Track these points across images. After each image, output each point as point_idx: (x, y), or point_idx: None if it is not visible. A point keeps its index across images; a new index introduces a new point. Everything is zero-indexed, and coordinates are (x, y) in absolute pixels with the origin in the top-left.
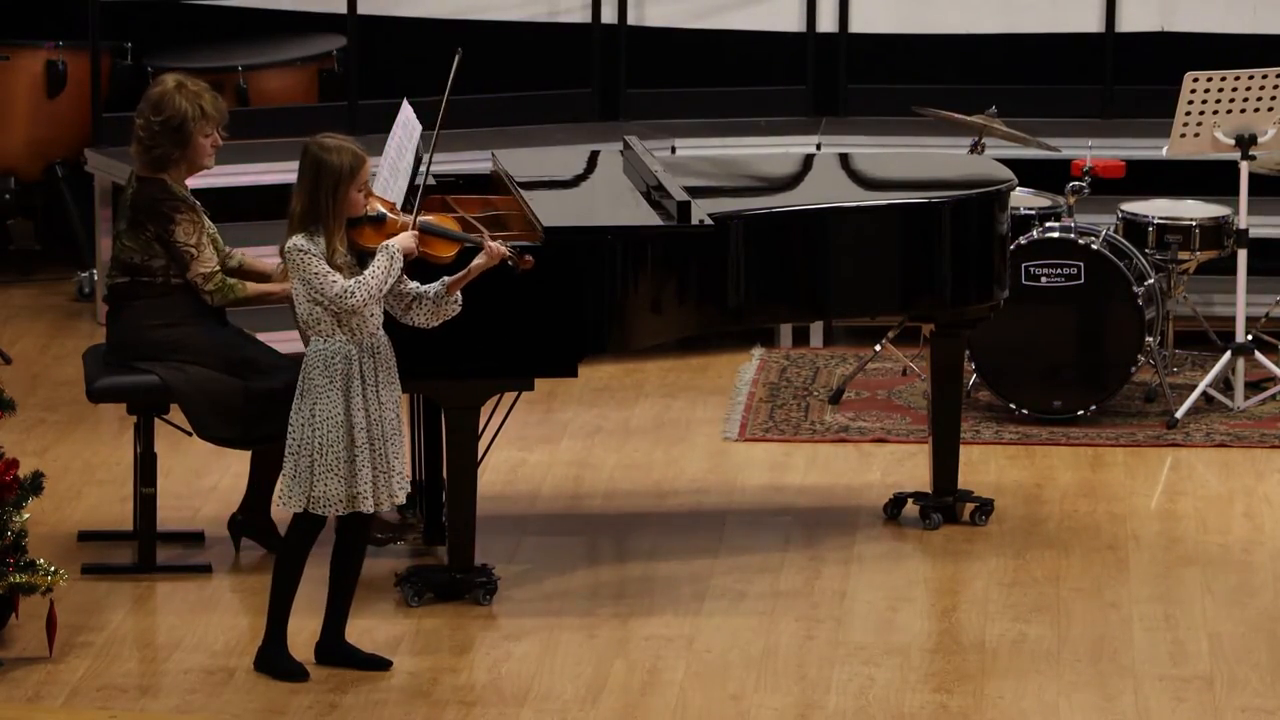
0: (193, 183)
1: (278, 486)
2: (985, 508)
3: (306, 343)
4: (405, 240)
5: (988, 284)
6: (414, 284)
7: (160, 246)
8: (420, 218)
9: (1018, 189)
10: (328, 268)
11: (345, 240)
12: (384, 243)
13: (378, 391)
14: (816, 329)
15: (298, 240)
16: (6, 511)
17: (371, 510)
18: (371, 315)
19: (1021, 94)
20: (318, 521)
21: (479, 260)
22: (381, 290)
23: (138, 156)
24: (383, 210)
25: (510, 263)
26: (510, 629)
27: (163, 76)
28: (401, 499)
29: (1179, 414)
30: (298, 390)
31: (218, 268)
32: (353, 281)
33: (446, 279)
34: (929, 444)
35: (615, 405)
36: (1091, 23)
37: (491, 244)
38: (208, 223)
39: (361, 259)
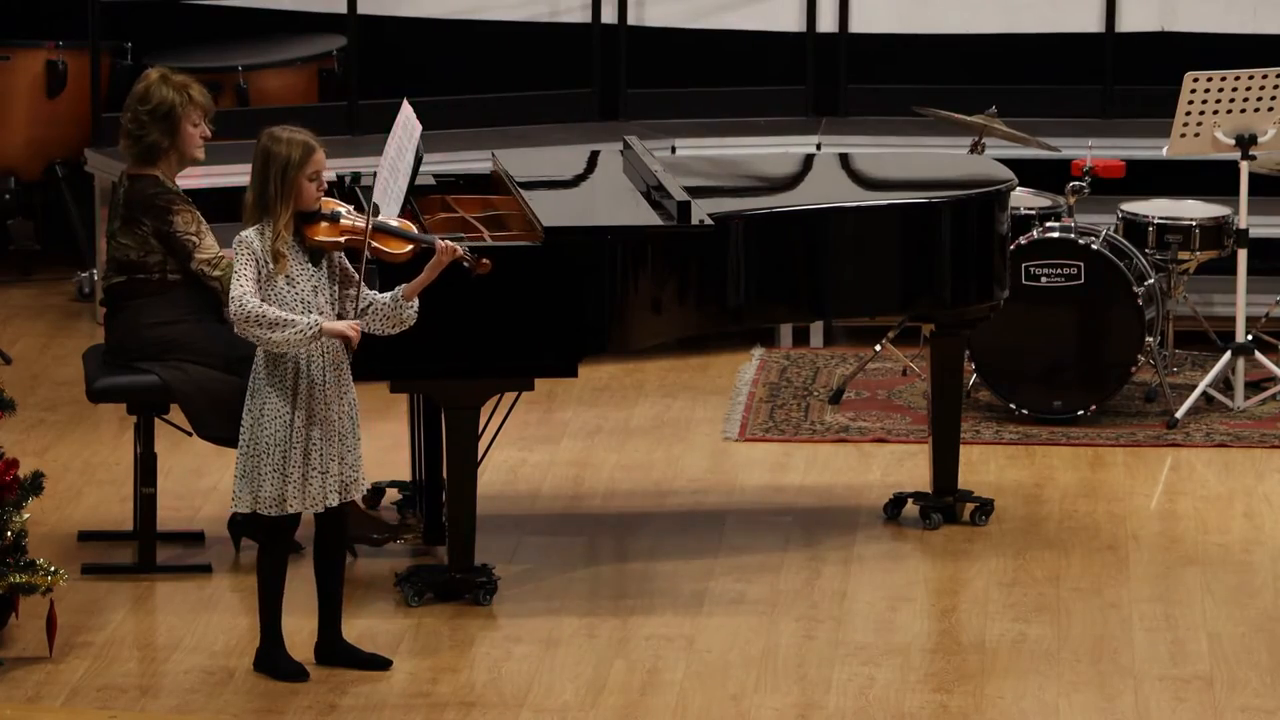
0: (193, 182)
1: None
2: (985, 508)
3: None
4: (339, 327)
5: (988, 284)
6: (370, 292)
7: (158, 241)
8: (375, 218)
9: (1018, 189)
10: (251, 270)
11: (292, 227)
12: (316, 318)
13: (325, 391)
14: (816, 329)
15: (246, 233)
16: (6, 511)
17: (295, 511)
18: (322, 316)
19: (1021, 94)
20: (288, 520)
21: (432, 261)
22: (267, 328)
23: (128, 151)
24: (338, 209)
25: (466, 264)
26: (510, 629)
27: (146, 72)
28: (335, 501)
29: (1179, 414)
30: (248, 390)
31: (222, 253)
32: (254, 303)
33: (403, 286)
34: (929, 444)
35: (615, 405)
36: (1091, 23)
37: (443, 243)
38: (202, 220)
39: (315, 256)
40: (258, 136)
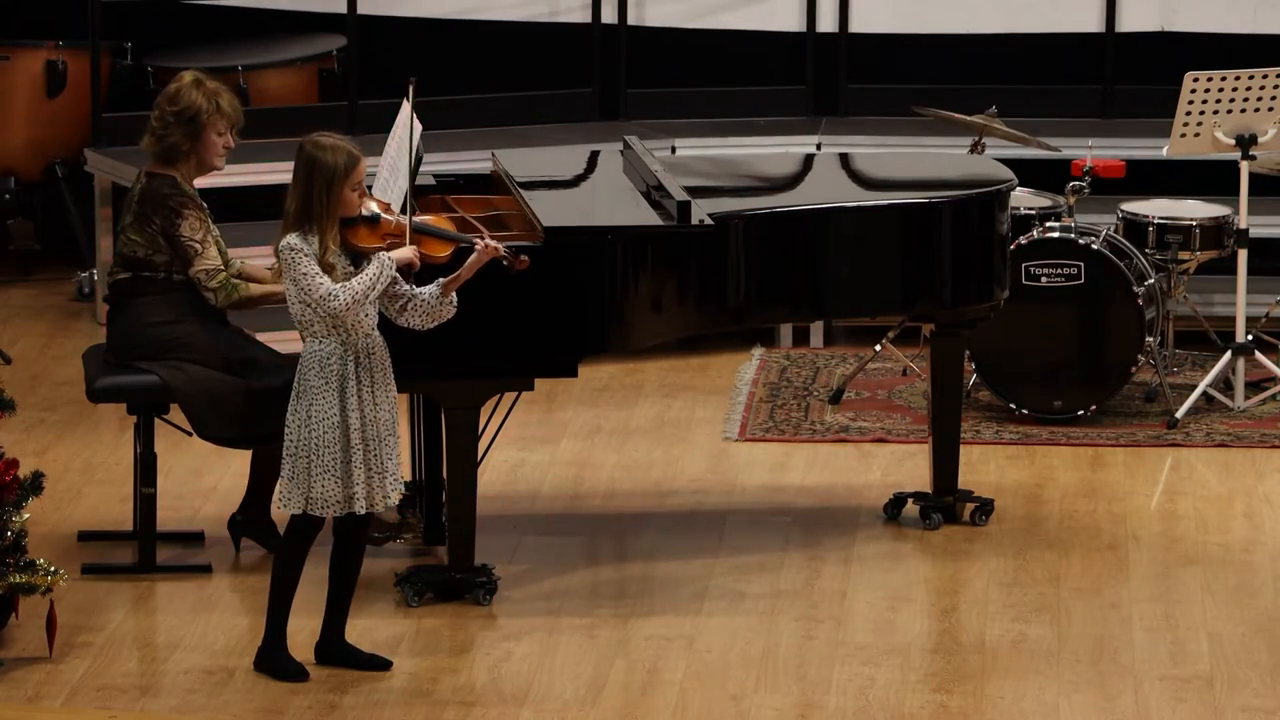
0: (196, 182)
1: (277, 489)
2: (985, 508)
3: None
4: (404, 253)
5: (988, 284)
6: (408, 286)
7: (164, 241)
8: (414, 218)
9: (1018, 189)
10: (317, 269)
11: (338, 239)
12: (381, 253)
13: (373, 392)
14: (816, 329)
15: (291, 239)
16: (6, 511)
17: (364, 511)
18: (365, 317)
19: (1021, 94)
20: (315, 522)
21: (471, 259)
22: (368, 297)
23: (149, 149)
24: (377, 210)
25: (505, 262)
26: (510, 629)
27: (182, 73)
28: (394, 500)
29: (1179, 414)
30: (293, 392)
31: (222, 267)
32: (339, 285)
33: (441, 280)
34: (929, 444)
35: (615, 405)
36: (1091, 23)
37: (485, 242)
38: (213, 226)
39: (355, 259)
40: (300, 144)
